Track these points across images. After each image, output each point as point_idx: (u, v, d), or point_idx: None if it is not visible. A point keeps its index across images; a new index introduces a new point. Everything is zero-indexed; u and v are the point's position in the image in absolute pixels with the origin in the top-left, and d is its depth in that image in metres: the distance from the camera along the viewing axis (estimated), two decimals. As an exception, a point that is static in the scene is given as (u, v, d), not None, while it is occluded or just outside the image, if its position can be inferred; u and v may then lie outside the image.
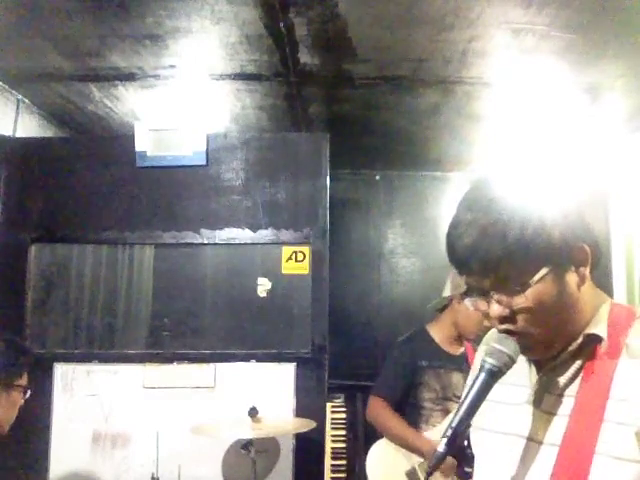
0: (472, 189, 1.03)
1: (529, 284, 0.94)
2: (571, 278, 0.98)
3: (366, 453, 2.83)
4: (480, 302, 1.01)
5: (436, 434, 2.57)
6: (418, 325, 2.88)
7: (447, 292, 2.77)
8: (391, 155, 4.26)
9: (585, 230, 0.99)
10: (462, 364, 2.73)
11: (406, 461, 2.64)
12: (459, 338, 2.78)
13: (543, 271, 0.94)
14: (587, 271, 0.99)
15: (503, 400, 1.08)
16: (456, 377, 2.70)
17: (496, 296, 0.97)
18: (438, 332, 2.79)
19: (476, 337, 2.75)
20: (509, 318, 0.98)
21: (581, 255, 0.98)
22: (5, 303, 2.89)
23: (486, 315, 1.01)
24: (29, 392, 2.01)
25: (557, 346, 1.00)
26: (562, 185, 1.01)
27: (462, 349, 2.80)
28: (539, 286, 0.95)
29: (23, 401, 2.00)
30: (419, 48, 2.68)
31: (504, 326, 0.99)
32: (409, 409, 2.68)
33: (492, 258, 0.94)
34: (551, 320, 0.97)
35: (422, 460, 2.59)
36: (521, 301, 0.95)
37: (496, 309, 0.98)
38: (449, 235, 1.00)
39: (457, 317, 2.73)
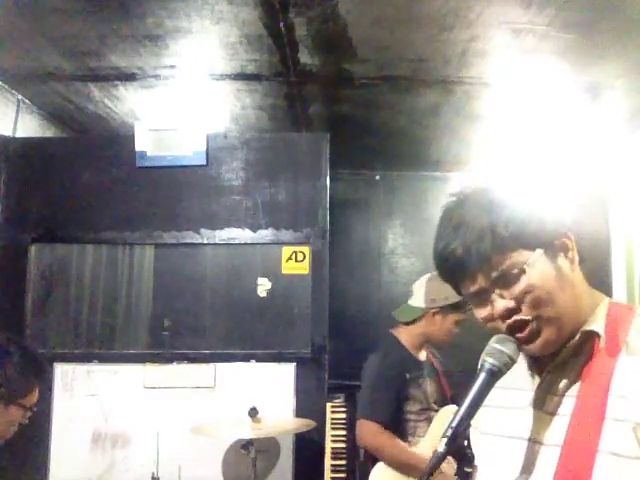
0: (447, 204, 1.08)
1: (526, 266, 0.97)
2: (563, 261, 1.01)
3: (365, 455, 2.80)
4: (478, 310, 1.02)
5: (420, 451, 2.53)
6: (388, 333, 2.79)
7: (420, 303, 2.70)
8: (391, 155, 4.26)
9: (565, 220, 1.03)
10: (430, 369, 2.72)
11: None
12: (423, 344, 2.75)
13: (538, 252, 0.98)
14: (575, 255, 1.03)
15: (506, 405, 1.08)
16: (429, 384, 2.67)
17: (497, 291, 0.99)
18: (407, 339, 2.72)
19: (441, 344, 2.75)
20: (514, 310, 0.99)
21: (567, 241, 1.02)
22: (5, 303, 2.89)
23: (488, 318, 1.01)
24: (33, 411, 1.81)
25: (561, 337, 1.00)
26: (544, 178, 1.05)
27: (424, 353, 2.77)
28: (536, 268, 0.98)
29: (27, 421, 1.81)
30: (419, 48, 2.68)
31: (512, 319, 0.99)
32: (396, 423, 2.59)
33: (484, 253, 0.97)
34: (555, 299, 0.98)
35: None
36: (522, 286, 0.97)
37: (500, 303, 0.99)
38: (437, 248, 1.04)
39: (430, 328, 2.68)
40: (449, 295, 2.59)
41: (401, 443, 2.55)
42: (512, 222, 0.97)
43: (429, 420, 2.62)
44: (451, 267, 1.01)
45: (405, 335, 2.74)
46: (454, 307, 2.62)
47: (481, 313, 1.02)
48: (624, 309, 1.03)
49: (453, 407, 2.63)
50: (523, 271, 0.97)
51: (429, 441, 2.55)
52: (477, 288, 1.00)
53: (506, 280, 0.98)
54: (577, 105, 3.24)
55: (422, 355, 2.75)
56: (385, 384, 2.61)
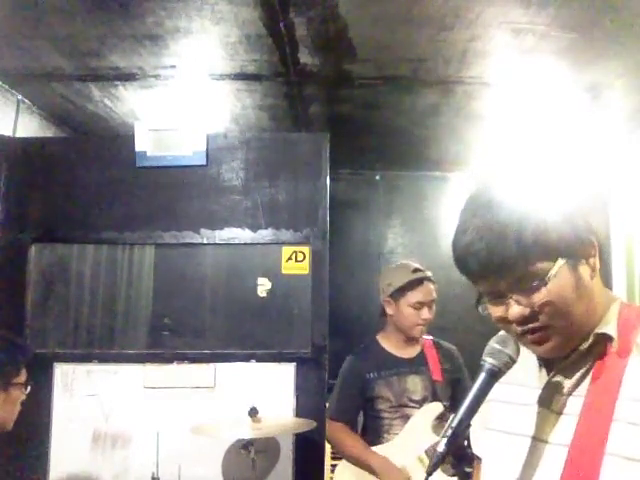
0: (474, 195, 1.03)
1: (548, 279, 0.95)
2: (584, 269, 0.99)
3: None
4: (493, 308, 1.01)
5: (391, 449, 2.56)
6: (370, 336, 2.84)
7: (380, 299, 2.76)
8: (391, 155, 4.26)
9: (590, 224, 1.00)
10: (419, 366, 2.69)
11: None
12: (412, 340, 2.74)
13: (559, 263, 0.95)
14: (597, 261, 1.00)
15: (512, 401, 1.08)
16: (412, 381, 2.65)
17: (515, 297, 0.97)
18: (387, 340, 2.76)
19: (421, 334, 2.72)
20: (530, 317, 0.97)
21: (590, 247, 0.99)
22: (5, 303, 2.89)
23: (501, 319, 1.00)
24: (29, 387, 2.01)
25: (572, 342, 1.00)
26: (565, 182, 1.02)
27: (418, 349, 2.75)
28: (557, 279, 0.95)
29: (25, 396, 2.00)
30: (419, 48, 2.68)
31: (527, 326, 0.98)
32: (370, 421, 2.65)
33: (508, 260, 0.94)
34: (572, 310, 0.97)
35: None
36: (541, 297, 0.95)
37: (517, 310, 0.97)
38: (457, 243, 0.99)
39: (393, 319, 2.71)
40: (392, 281, 2.69)
41: (359, 441, 2.60)
42: (538, 229, 0.94)
43: (405, 418, 2.61)
44: (471, 268, 0.98)
45: (384, 335, 2.78)
46: (400, 290, 2.66)
47: (495, 312, 1.01)
48: (635, 310, 1.02)
49: (434, 405, 2.63)
50: (545, 283, 0.95)
51: (402, 439, 2.55)
52: (495, 290, 0.99)
53: (526, 288, 0.96)
54: (577, 105, 3.24)
55: (410, 352, 2.73)
56: (343, 385, 2.70)
